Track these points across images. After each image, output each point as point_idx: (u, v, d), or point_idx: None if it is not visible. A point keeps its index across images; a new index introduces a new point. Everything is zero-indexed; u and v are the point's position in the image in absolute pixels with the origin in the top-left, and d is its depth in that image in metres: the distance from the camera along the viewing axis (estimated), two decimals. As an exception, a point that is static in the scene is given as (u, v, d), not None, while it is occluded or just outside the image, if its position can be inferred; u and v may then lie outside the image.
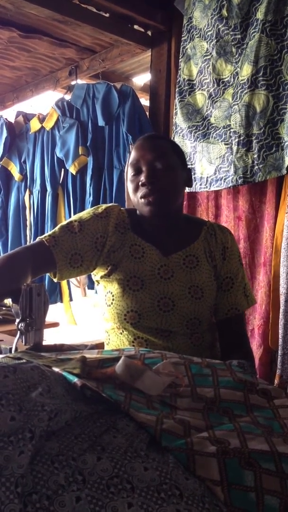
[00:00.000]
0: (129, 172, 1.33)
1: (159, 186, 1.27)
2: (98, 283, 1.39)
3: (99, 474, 0.56)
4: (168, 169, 1.29)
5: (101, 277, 1.34)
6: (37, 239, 1.28)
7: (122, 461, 0.58)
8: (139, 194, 1.29)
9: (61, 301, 3.27)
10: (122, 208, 1.39)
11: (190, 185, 1.40)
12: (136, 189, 1.31)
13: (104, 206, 1.37)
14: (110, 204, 1.38)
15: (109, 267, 1.31)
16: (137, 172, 1.30)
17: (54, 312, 3.50)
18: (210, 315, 1.36)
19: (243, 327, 1.43)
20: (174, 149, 1.35)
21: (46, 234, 1.28)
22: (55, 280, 1.30)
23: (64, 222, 1.32)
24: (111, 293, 1.32)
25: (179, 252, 1.34)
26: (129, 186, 1.33)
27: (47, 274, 1.33)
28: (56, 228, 1.29)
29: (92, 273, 1.38)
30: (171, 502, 0.55)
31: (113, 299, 1.31)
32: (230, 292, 1.37)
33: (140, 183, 1.28)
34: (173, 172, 1.31)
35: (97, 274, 1.36)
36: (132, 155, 1.33)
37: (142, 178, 1.28)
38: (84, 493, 0.53)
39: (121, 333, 1.33)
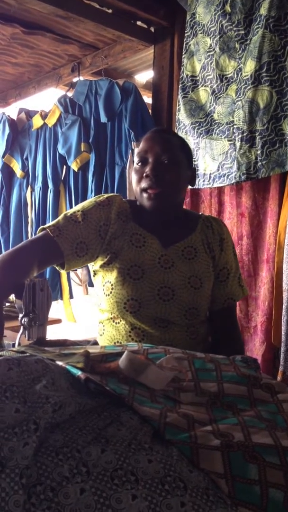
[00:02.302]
0: (134, 162, 1.35)
1: (163, 180, 1.29)
2: (95, 274, 1.40)
3: (103, 466, 0.55)
4: (174, 164, 1.31)
5: (100, 266, 1.35)
6: (40, 230, 1.29)
7: (126, 453, 0.58)
8: (142, 185, 1.31)
9: (61, 298, 3.28)
10: (123, 199, 1.40)
11: (193, 184, 1.43)
12: (140, 180, 1.32)
13: (106, 195, 1.38)
14: (112, 194, 1.40)
15: (109, 255, 1.32)
16: (143, 163, 1.32)
17: (55, 309, 3.51)
18: (207, 306, 1.39)
19: (235, 317, 1.50)
20: (182, 146, 1.36)
21: (50, 224, 1.28)
22: (62, 271, 1.30)
23: (68, 212, 1.33)
24: (110, 282, 1.32)
25: (177, 243, 1.36)
26: (133, 177, 1.35)
27: (48, 270, 1.33)
28: (60, 218, 1.30)
29: (90, 264, 1.38)
30: (175, 494, 0.55)
31: (112, 288, 1.31)
32: (227, 282, 1.41)
33: (144, 174, 1.30)
34: (178, 168, 1.32)
35: (96, 263, 1.36)
36: (141, 145, 1.34)
37: (147, 169, 1.29)
38: (88, 485, 0.53)
39: (117, 323, 1.33)
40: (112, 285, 1.31)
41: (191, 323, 1.33)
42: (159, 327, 1.30)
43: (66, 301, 3.27)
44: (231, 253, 1.43)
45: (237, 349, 1.40)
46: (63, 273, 3.20)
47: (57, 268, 1.32)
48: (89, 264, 1.38)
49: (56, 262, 1.28)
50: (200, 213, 1.50)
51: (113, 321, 1.34)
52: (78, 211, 1.32)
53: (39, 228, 1.30)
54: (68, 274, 3.27)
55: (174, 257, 1.34)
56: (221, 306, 1.41)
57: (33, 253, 1.19)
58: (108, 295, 1.32)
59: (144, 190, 1.30)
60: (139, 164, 1.32)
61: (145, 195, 1.30)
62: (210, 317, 1.43)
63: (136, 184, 1.34)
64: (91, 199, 1.37)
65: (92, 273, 1.42)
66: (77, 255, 1.27)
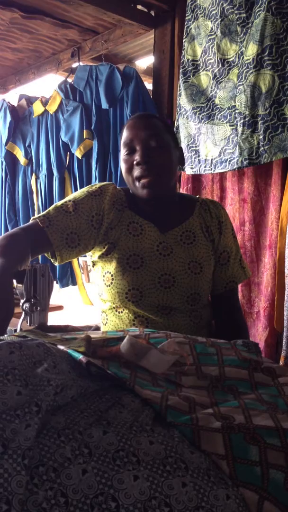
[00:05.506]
0: (121, 152, 1.32)
1: (155, 165, 1.27)
2: (94, 264, 1.38)
3: (105, 448, 0.56)
4: (163, 148, 1.29)
5: (99, 257, 1.34)
6: (31, 219, 1.26)
7: (127, 435, 0.59)
8: (134, 174, 1.29)
9: (73, 284, 3.31)
10: (117, 187, 1.38)
11: (182, 164, 1.41)
12: (130, 169, 1.30)
13: (98, 184, 1.36)
14: (105, 183, 1.38)
15: (106, 246, 1.31)
16: (131, 151, 1.29)
17: (61, 295, 3.54)
18: (209, 290, 1.38)
19: (237, 300, 1.49)
20: (166, 127, 1.34)
21: (40, 214, 1.26)
22: (56, 263, 1.28)
23: (58, 202, 1.31)
24: (110, 273, 1.31)
25: (175, 228, 1.35)
26: (122, 166, 1.32)
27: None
28: (51, 208, 1.28)
29: (89, 254, 1.37)
30: (176, 475, 0.56)
31: (112, 279, 1.31)
32: (228, 265, 1.41)
33: (134, 162, 1.28)
34: (167, 151, 1.30)
35: (94, 254, 1.35)
36: (125, 134, 1.31)
37: (137, 157, 1.27)
38: (90, 466, 0.53)
39: (120, 312, 1.33)
40: (112, 275, 1.30)
41: (194, 308, 1.33)
42: (162, 314, 1.30)
43: (80, 285, 3.32)
44: (230, 236, 1.42)
45: (241, 331, 1.40)
46: (74, 259, 3.22)
47: (52, 260, 1.29)
48: (87, 255, 1.37)
49: (45, 251, 1.26)
50: (197, 196, 1.48)
51: (116, 311, 1.34)
52: (70, 201, 1.29)
53: (31, 218, 1.28)
54: (78, 260, 3.30)
55: (173, 243, 1.33)
56: (223, 290, 1.41)
57: (26, 240, 1.16)
58: (109, 285, 1.31)
59: (137, 179, 1.28)
60: (127, 153, 1.30)
61: (138, 184, 1.28)
62: (213, 301, 1.43)
63: (126, 174, 1.31)
64: (83, 189, 1.35)
65: (91, 264, 1.41)
66: (68, 246, 1.25)
